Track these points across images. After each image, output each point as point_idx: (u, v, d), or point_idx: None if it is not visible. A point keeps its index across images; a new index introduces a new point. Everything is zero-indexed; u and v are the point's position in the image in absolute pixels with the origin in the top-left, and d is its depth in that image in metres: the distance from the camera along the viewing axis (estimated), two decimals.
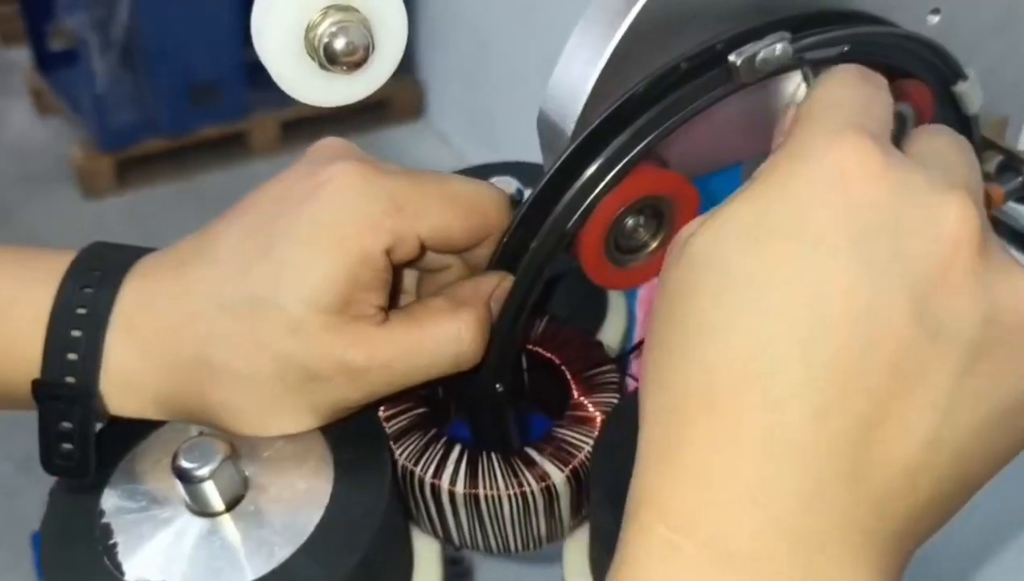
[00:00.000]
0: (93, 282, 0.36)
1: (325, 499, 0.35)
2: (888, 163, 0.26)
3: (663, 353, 0.27)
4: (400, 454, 0.38)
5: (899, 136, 0.44)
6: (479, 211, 0.38)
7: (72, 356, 0.36)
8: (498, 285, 0.38)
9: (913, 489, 0.25)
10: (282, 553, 0.34)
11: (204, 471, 0.34)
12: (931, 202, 0.25)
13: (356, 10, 0.29)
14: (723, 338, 0.25)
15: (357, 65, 0.29)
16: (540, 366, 0.43)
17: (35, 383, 0.36)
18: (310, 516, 0.35)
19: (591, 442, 0.38)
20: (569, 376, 0.41)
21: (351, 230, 0.35)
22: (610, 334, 0.50)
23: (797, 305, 0.24)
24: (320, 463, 0.37)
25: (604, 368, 0.41)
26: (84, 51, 1.95)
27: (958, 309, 0.24)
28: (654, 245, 0.40)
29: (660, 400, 0.26)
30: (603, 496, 0.35)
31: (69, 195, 2.01)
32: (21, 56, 2.25)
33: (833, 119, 0.27)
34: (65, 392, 0.36)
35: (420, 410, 0.40)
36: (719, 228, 0.26)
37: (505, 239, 0.38)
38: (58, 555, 0.35)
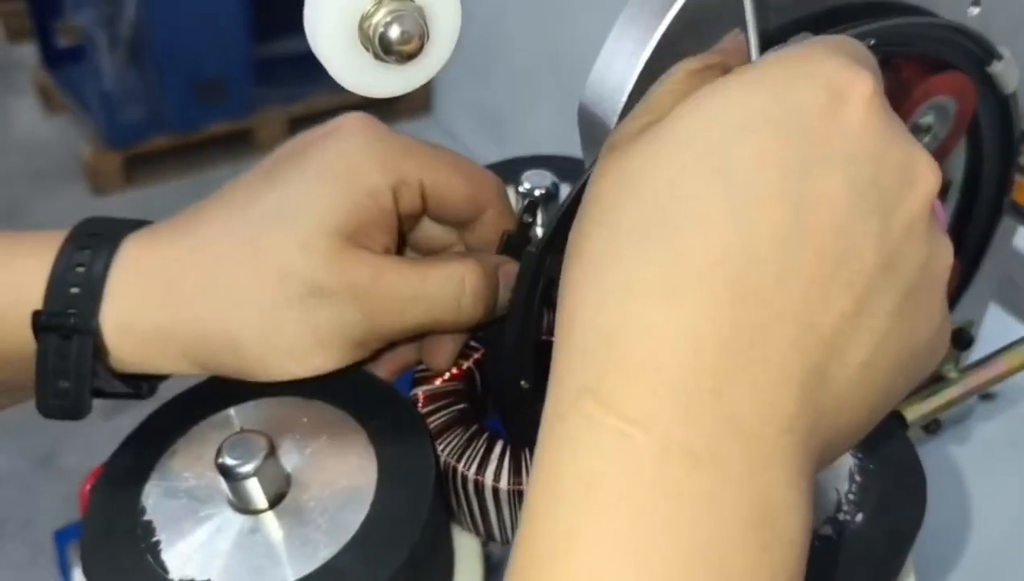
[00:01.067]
0: (97, 235, 0.37)
1: (369, 496, 0.35)
2: (879, 99, 0.26)
3: (622, 232, 0.25)
4: (442, 451, 0.38)
5: (941, 130, 0.44)
6: (479, 180, 0.40)
7: (74, 290, 0.35)
8: (504, 264, 0.39)
9: (840, 410, 0.25)
10: (326, 552, 0.34)
11: (248, 467, 0.34)
12: (911, 150, 0.27)
13: None
14: (699, 226, 0.24)
15: (411, 55, 0.29)
16: None
17: (35, 315, 0.35)
18: (354, 514, 0.35)
19: None
20: None
21: (359, 164, 0.36)
22: None
23: (780, 205, 0.24)
24: (363, 460, 0.36)
25: None
26: (91, 48, 1.95)
27: (910, 249, 0.26)
28: None
29: (607, 283, 0.25)
30: None
31: (77, 192, 2.01)
32: (28, 53, 2.25)
33: (835, 45, 0.27)
34: (65, 323, 0.35)
35: (460, 406, 0.40)
36: (714, 106, 0.26)
37: (549, 233, 0.38)
38: (100, 553, 0.35)
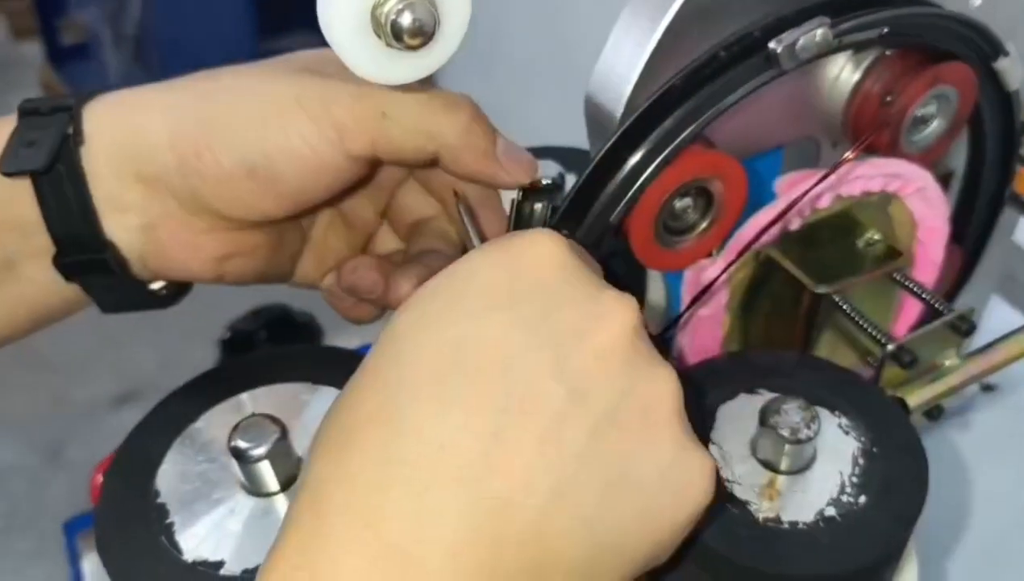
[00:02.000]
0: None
1: None
2: (567, 257, 0.28)
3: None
4: None
5: (945, 119, 0.44)
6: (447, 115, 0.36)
7: (63, 100, 0.36)
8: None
9: (540, 537, 0.25)
10: None
11: (260, 450, 0.34)
12: (595, 292, 0.28)
13: None
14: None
15: (423, 43, 0.29)
16: None
17: (23, 103, 0.36)
18: None
19: None
20: None
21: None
22: (650, 314, 0.50)
23: (439, 349, 0.26)
24: None
25: None
26: (96, 45, 1.95)
27: (599, 377, 0.26)
28: (704, 225, 0.40)
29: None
30: None
31: None
32: (33, 50, 2.25)
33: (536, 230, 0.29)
34: (48, 105, 0.35)
35: None
36: (412, 307, 0.28)
37: (552, 225, 0.38)
38: (115, 535, 0.35)
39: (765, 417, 0.35)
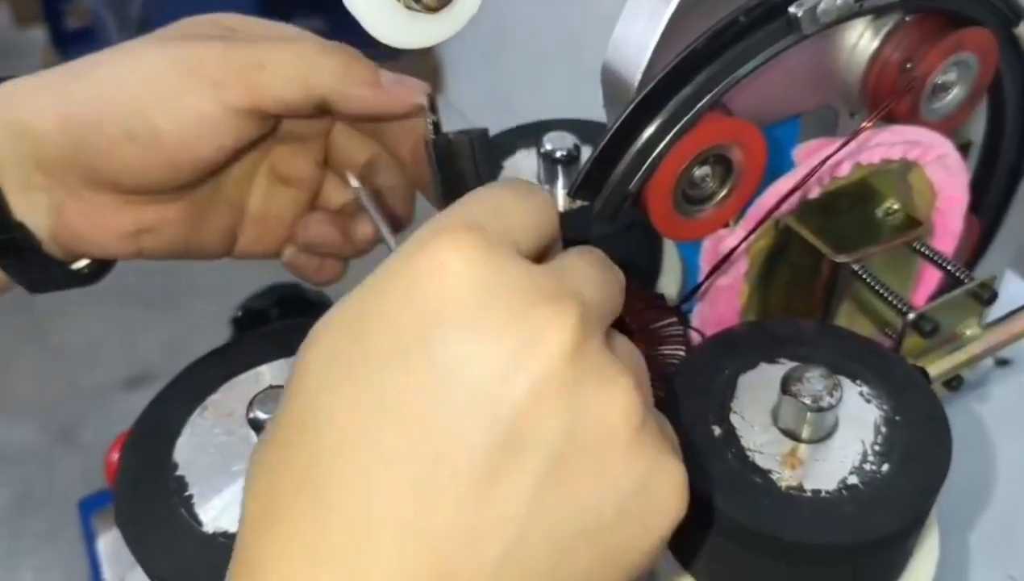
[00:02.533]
0: None
1: None
2: (480, 271, 0.23)
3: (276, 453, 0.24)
4: None
5: (965, 87, 0.44)
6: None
7: None
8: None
9: None
10: None
11: None
12: (520, 311, 0.23)
13: None
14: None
15: (442, 4, 0.29)
16: None
17: None
18: None
19: (660, 395, 0.38)
20: (633, 330, 0.41)
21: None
22: (668, 285, 0.50)
23: (355, 412, 0.23)
24: None
25: (668, 321, 0.41)
26: (101, 29, 1.95)
27: (535, 418, 0.23)
28: (723, 193, 0.39)
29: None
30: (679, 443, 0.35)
31: None
32: (37, 36, 2.25)
33: (449, 215, 0.25)
34: None
35: None
36: (318, 356, 0.25)
37: (570, 195, 0.38)
38: (133, 508, 0.35)
39: (787, 385, 0.35)
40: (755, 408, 0.36)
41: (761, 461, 0.35)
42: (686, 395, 0.37)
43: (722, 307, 0.43)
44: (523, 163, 0.50)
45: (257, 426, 0.34)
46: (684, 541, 0.37)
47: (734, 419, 0.36)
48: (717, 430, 0.36)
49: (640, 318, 0.42)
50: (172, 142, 0.35)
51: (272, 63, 0.35)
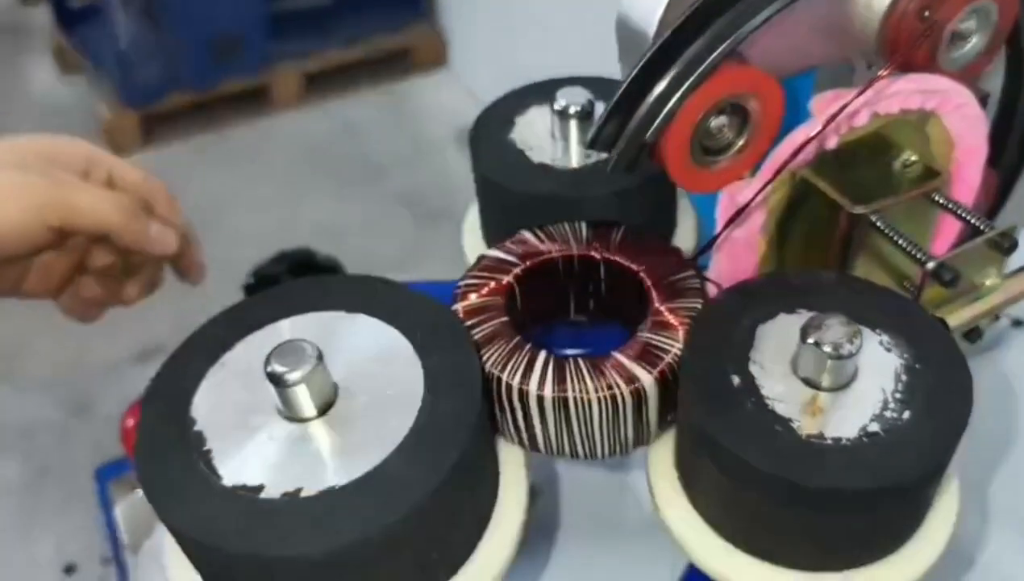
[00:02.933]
0: None
1: (416, 404, 0.35)
2: None
3: None
4: (486, 361, 0.38)
5: (984, 36, 0.43)
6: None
7: None
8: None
9: None
10: (375, 457, 0.34)
11: (297, 374, 0.34)
12: None
13: None
14: None
15: None
16: (617, 275, 0.43)
17: None
18: (402, 420, 0.35)
19: (678, 346, 0.38)
20: (650, 283, 0.41)
21: None
22: (683, 240, 0.50)
23: None
24: (408, 369, 0.37)
25: (685, 274, 0.41)
26: (106, 7, 1.93)
27: None
28: (740, 143, 0.39)
29: None
30: (696, 396, 0.35)
31: None
32: (42, 15, 2.24)
33: None
34: None
35: (502, 318, 0.40)
36: None
37: (588, 145, 0.38)
38: (153, 462, 0.35)
39: (806, 334, 0.35)
40: (775, 358, 0.36)
41: (782, 410, 0.35)
42: (705, 345, 0.37)
43: (739, 260, 0.43)
44: (537, 120, 0.50)
45: (275, 379, 0.34)
46: (705, 493, 0.37)
47: (753, 369, 0.36)
48: (736, 380, 0.35)
49: (656, 271, 0.41)
50: (4, 249, 0.44)
51: (82, 205, 0.45)
